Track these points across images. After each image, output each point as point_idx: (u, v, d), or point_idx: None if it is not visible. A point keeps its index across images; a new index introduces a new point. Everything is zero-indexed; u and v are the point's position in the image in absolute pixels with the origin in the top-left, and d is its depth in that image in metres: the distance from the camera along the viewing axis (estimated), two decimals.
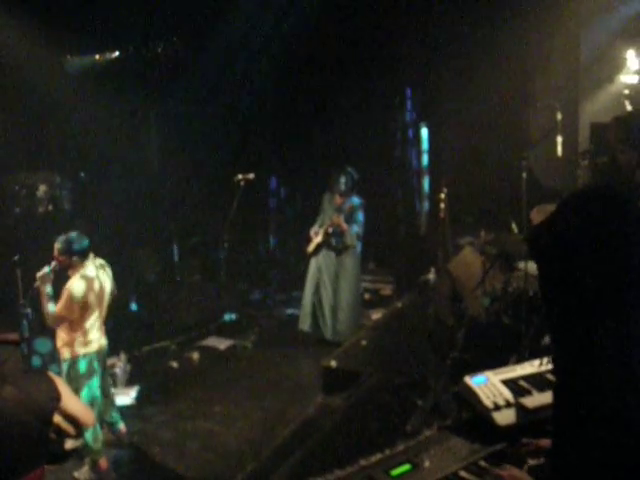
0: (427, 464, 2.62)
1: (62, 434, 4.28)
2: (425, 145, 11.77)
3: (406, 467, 2.60)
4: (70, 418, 4.22)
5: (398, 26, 10.70)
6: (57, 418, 4.15)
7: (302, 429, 7.03)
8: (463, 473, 2.61)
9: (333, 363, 7.79)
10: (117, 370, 8.49)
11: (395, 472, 2.57)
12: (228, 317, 10.73)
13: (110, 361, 8.40)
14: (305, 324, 9.70)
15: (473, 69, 10.38)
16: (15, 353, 4.10)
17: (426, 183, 11.84)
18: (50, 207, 11.94)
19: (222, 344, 9.91)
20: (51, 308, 6.28)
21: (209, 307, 11.14)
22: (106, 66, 12.89)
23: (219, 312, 11.05)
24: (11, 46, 10.53)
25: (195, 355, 9.57)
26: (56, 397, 4.06)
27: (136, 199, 12.52)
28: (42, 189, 11.83)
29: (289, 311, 10.65)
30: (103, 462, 6.36)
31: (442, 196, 8.77)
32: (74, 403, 4.26)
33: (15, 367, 4.01)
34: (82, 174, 12.87)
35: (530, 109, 11.06)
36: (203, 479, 6.54)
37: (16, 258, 7.51)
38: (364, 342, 8.48)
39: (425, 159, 11.83)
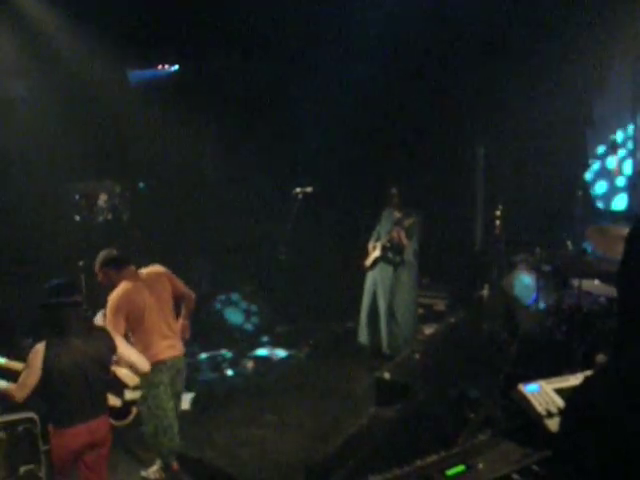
0: (481, 466, 2.69)
1: (120, 385, 5.23)
2: None
3: (461, 468, 2.68)
4: (127, 365, 5.15)
5: (464, 43, 10.73)
6: (115, 368, 5.09)
7: (354, 439, 7.05)
8: (516, 476, 2.68)
9: (386, 375, 7.79)
10: None
11: (450, 472, 2.65)
12: (283, 328, 10.89)
13: None
14: (361, 336, 9.76)
15: (531, 89, 10.38)
16: (78, 312, 4.92)
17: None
18: (109, 216, 12.15)
19: (276, 354, 10.04)
20: None
21: (265, 317, 11.29)
22: (166, 79, 13.13)
23: (274, 322, 11.20)
24: (78, 59, 10.80)
25: (250, 364, 9.71)
26: (113, 348, 4.98)
27: (193, 210, 12.71)
28: (102, 198, 12.04)
29: (344, 323, 10.69)
30: (175, 464, 6.59)
31: (498, 213, 8.81)
32: (129, 353, 5.19)
33: (79, 323, 4.87)
34: (141, 184, 13.09)
35: (588, 129, 11.04)
36: None
37: (81, 264, 7.74)
38: (417, 355, 8.49)
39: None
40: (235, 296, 11.77)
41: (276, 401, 8.42)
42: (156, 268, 6.70)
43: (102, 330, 5.11)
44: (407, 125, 11.31)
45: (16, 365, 5.04)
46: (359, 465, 6.24)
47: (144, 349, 6.30)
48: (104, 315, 6.36)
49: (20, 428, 4.08)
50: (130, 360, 5.15)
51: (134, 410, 5.52)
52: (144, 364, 5.23)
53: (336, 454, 6.78)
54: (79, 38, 10.53)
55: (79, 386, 4.75)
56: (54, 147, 10.73)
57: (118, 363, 5.09)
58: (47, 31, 10.40)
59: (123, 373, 5.25)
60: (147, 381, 5.94)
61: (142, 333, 6.31)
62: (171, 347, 6.53)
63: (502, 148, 11.09)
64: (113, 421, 5.14)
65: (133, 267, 6.49)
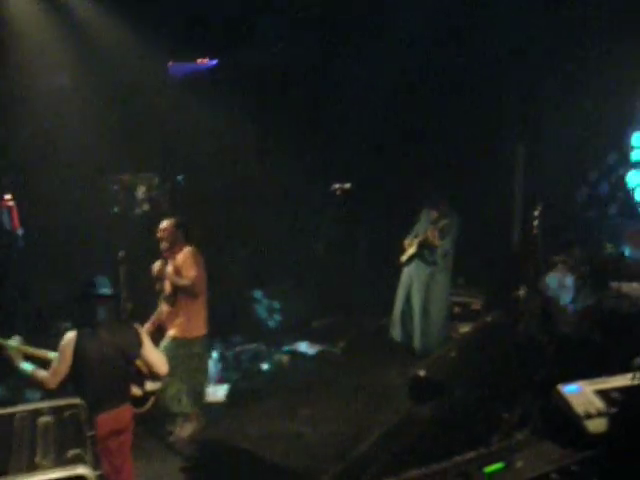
0: (520, 464, 2.71)
1: (142, 376, 5.48)
2: None
3: (499, 465, 2.70)
4: (148, 364, 5.34)
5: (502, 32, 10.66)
6: (138, 362, 5.31)
7: (388, 435, 7.07)
8: (555, 475, 2.69)
9: (422, 372, 7.74)
10: (209, 367, 8.74)
11: (489, 469, 2.67)
12: (318, 323, 10.90)
13: None
14: (395, 333, 9.75)
15: (572, 89, 10.31)
16: (110, 304, 5.15)
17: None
18: (147, 208, 12.20)
19: (311, 349, 10.06)
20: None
21: (300, 312, 11.30)
22: (206, 73, 13.14)
23: (309, 317, 11.21)
24: (120, 51, 10.87)
25: (285, 358, 9.75)
26: (139, 344, 5.17)
27: (232, 203, 12.74)
28: (141, 190, 12.10)
29: (379, 319, 10.68)
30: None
31: (536, 213, 8.75)
32: (152, 353, 5.36)
33: (109, 316, 5.10)
34: (180, 177, 13.13)
35: (629, 128, 10.93)
36: (288, 478, 6.69)
37: (121, 255, 7.78)
38: (453, 354, 8.46)
39: None
40: (268, 292, 11.83)
41: (310, 396, 8.45)
42: None
43: (131, 326, 5.31)
44: (447, 123, 11.26)
45: (49, 355, 5.19)
46: (393, 461, 6.26)
47: (189, 319, 6.79)
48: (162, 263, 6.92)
49: (66, 413, 4.17)
50: (150, 359, 5.33)
51: (152, 398, 5.70)
52: (163, 366, 5.43)
53: (370, 450, 6.80)
54: (121, 31, 10.59)
55: (105, 376, 4.96)
56: (94, 138, 10.82)
57: (141, 358, 5.30)
58: (90, 24, 10.48)
59: (142, 365, 5.48)
60: (189, 351, 6.62)
61: (194, 301, 6.77)
62: (206, 325, 7.02)
63: (543, 147, 11.01)
64: (132, 407, 5.29)
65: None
